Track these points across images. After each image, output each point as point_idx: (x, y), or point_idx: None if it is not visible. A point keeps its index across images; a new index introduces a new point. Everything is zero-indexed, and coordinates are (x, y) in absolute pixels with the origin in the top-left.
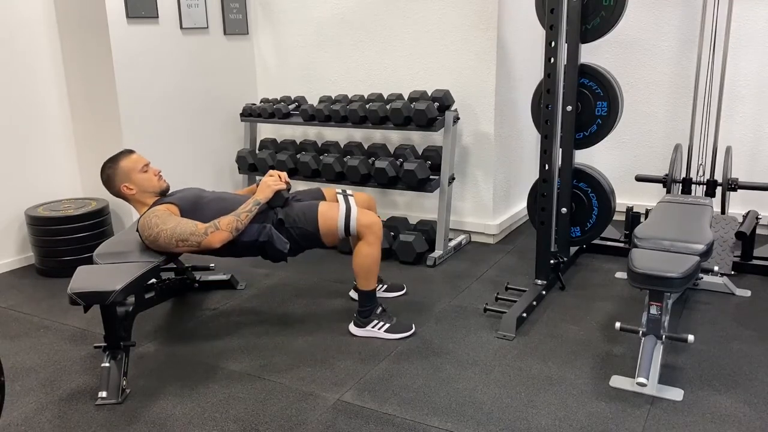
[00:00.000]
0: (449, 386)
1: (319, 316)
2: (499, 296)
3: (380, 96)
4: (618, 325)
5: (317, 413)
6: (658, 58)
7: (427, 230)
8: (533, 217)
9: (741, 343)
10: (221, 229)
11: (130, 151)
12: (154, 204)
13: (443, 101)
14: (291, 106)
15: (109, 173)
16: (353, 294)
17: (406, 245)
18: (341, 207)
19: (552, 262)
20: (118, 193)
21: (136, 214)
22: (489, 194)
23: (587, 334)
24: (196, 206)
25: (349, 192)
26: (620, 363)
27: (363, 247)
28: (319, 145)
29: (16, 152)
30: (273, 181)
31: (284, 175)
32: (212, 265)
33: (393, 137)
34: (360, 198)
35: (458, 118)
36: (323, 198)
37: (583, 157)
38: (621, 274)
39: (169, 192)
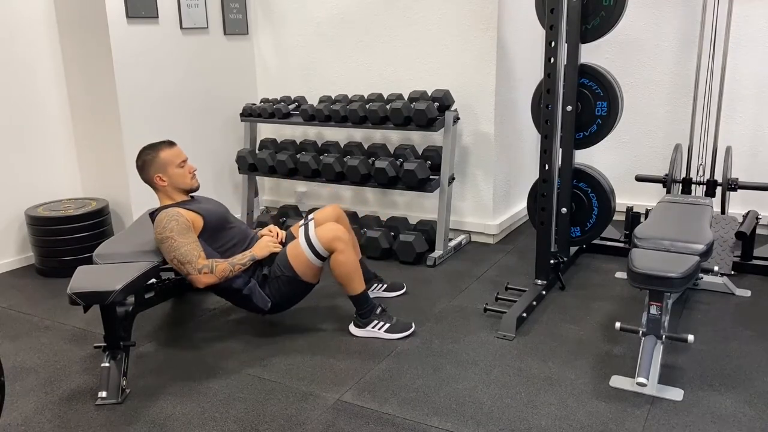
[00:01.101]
0: (449, 386)
1: (319, 316)
2: (499, 296)
3: (380, 96)
4: (618, 325)
5: (317, 413)
6: (658, 58)
7: (427, 230)
8: (533, 217)
9: (741, 343)
10: (214, 274)
11: (172, 143)
12: (182, 204)
13: (443, 101)
14: (291, 106)
15: (146, 159)
16: None
17: (406, 245)
18: (301, 236)
19: (552, 262)
20: (149, 181)
21: (136, 214)
22: (489, 194)
23: (587, 334)
24: (219, 227)
25: (310, 217)
26: (620, 363)
27: (336, 257)
28: (319, 145)
29: (17, 152)
30: (273, 243)
31: (282, 234)
32: None
33: (393, 137)
34: (325, 213)
35: (458, 118)
36: (294, 238)
37: (583, 157)
38: (621, 274)
39: (197, 194)
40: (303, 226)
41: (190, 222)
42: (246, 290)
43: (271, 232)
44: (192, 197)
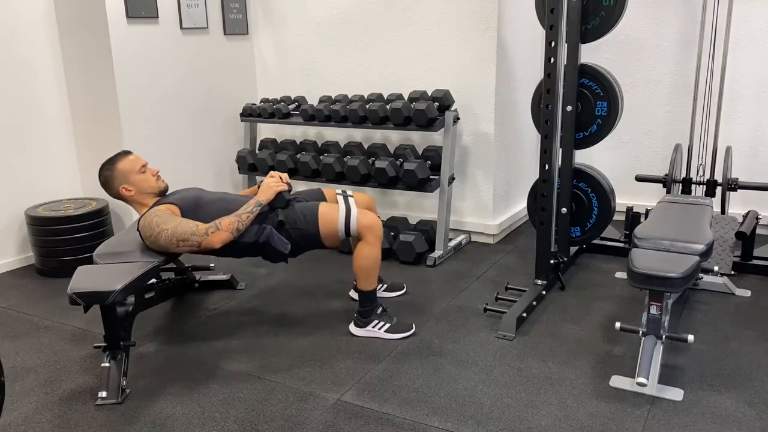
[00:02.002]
0: (449, 386)
1: (319, 316)
2: (499, 296)
3: (380, 96)
4: (618, 325)
5: (317, 413)
6: (658, 58)
7: (427, 230)
8: (533, 217)
9: (741, 343)
10: (222, 230)
11: (127, 152)
12: (154, 204)
13: (443, 101)
14: (291, 106)
15: (107, 175)
16: (353, 294)
17: (406, 245)
18: (341, 208)
19: (552, 262)
20: (117, 195)
21: (135, 214)
22: (489, 194)
23: (587, 334)
24: (196, 206)
25: (349, 193)
26: (620, 363)
27: (363, 247)
28: (319, 145)
29: (17, 152)
30: (274, 183)
31: (285, 176)
32: (212, 265)
33: (393, 137)
34: (360, 199)
35: (458, 118)
36: (324, 199)
37: (583, 157)
38: (621, 274)
39: (169, 192)
40: (343, 196)
41: (170, 211)
42: (263, 237)
43: (273, 177)
44: (164, 196)
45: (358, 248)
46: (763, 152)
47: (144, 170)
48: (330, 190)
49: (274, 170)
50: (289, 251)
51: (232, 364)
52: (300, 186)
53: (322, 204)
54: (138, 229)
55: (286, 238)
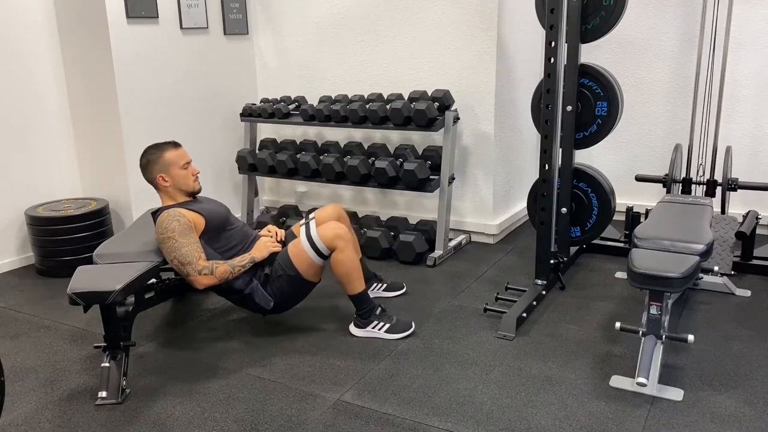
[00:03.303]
0: (449, 386)
1: (319, 316)
2: (499, 296)
3: (380, 96)
4: (618, 325)
5: (317, 413)
6: (658, 58)
7: (427, 230)
8: (533, 217)
9: (741, 343)
10: (214, 276)
11: (177, 144)
12: (184, 204)
13: (443, 101)
14: (291, 106)
15: (151, 159)
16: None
17: (406, 245)
18: (303, 237)
19: (552, 262)
20: (152, 181)
21: (136, 214)
22: (489, 194)
23: (587, 334)
24: (221, 228)
25: (311, 216)
26: (620, 363)
27: (336, 255)
28: (319, 145)
29: (17, 152)
30: (271, 243)
31: (281, 233)
32: None
33: (393, 137)
34: (327, 211)
35: (458, 118)
36: (295, 237)
37: (583, 157)
38: (621, 274)
39: (200, 195)
40: (304, 225)
41: (192, 222)
42: (248, 290)
43: (269, 232)
44: (194, 198)
45: (332, 259)
46: (763, 152)
47: (186, 167)
48: (297, 225)
49: (274, 172)
50: (274, 306)
51: (232, 364)
52: (300, 186)
53: (290, 244)
54: (153, 217)
55: (272, 292)
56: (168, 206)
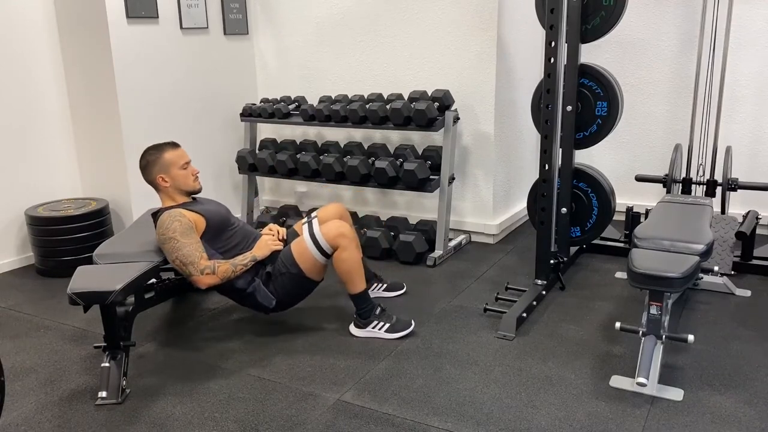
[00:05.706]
0: (449, 386)
1: (319, 316)
2: (499, 296)
3: (380, 96)
4: (618, 325)
5: (317, 413)
6: (658, 58)
7: (427, 230)
8: (533, 217)
9: (741, 343)
10: (216, 275)
11: (176, 145)
12: (185, 205)
13: (443, 101)
14: (291, 106)
15: (150, 160)
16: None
17: (406, 245)
18: (306, 235)
19: (552, 262)
20: (151, 181)
21: (136, 214)
22: (489, 194)
23: (587, 334)
24: (221, 228)
25: (313, 215)
26: (620, 363)
27: (339, 254)
28: (319, 145)
29: (17, 152)
30: (273, 242)
31: (282, 231)
32: None
33: (393, 137)
34: (329, 210)
35: (458, 118)
36: (298, 235)
37: (583, 157)
38: (621, 274)
39: (199, 196)
40: (307, 223)
41: (193, 223)
42: (250, 289)
43: (271, 230)
44: (194, 199)
45: (335, 257)
46: (763, 152)
47: (186, 167)
48: (299, 224)
49: (274, 172)
50: (276, 305)
51: (232, 364)
52: (300, 186)
53: (293, 242)
54: (154, 219)
55: (275, 290)
56: (168, 207)
